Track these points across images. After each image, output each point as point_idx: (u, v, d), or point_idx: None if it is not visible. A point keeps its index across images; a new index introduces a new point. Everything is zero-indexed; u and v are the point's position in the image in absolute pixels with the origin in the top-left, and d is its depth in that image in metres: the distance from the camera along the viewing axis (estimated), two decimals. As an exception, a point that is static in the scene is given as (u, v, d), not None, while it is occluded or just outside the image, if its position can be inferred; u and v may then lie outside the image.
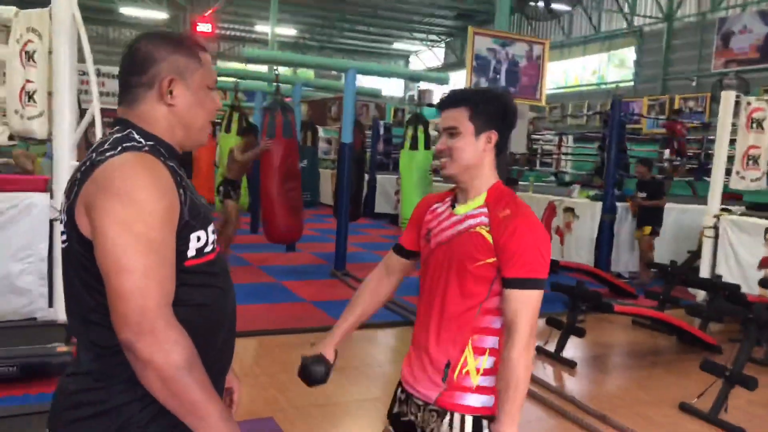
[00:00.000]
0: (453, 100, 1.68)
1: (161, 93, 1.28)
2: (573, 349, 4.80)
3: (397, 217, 9.09)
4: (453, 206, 1.70)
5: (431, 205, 1.78)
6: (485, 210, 1.62)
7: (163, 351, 1.11)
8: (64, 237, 1.23)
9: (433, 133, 14.73)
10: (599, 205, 7.83)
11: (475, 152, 1.64)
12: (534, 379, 4.14)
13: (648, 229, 7.36)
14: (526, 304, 1.54)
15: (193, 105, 1.31)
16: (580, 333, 4.57)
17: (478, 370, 1.61)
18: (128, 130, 1.26)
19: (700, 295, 6.36)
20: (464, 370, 1.61)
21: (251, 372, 3.96)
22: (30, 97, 4.57)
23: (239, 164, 6.59)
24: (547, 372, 4.42)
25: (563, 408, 3.68)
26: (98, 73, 15.06)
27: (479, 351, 1.61)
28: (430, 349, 1.65)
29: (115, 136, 1.25)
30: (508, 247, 1.55)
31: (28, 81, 4.57)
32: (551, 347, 4.66)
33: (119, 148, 1.20)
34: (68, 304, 1.28)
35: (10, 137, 4.91)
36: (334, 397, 3.68)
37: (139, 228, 1.13)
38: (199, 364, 1.17)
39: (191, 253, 1.23)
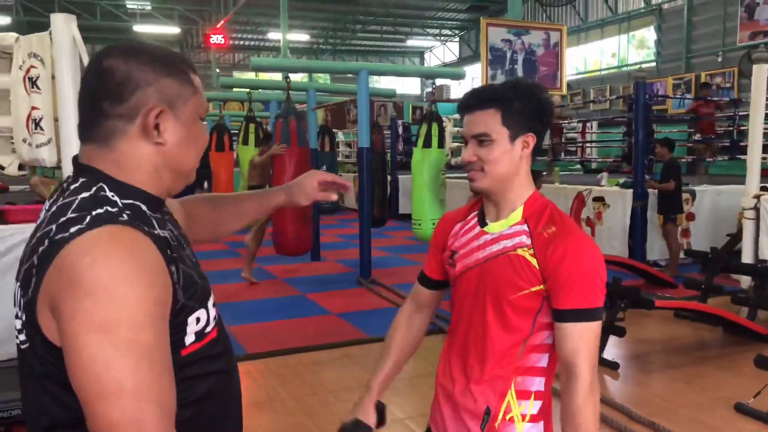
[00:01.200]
0: (480, 100, 1.39)
1: (146, 128, 0.99)
2: (613, 348, 4.55)
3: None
4: (482, 223, 1.44)
5: (453, 224, 1.53)
6: (525, 228, 1.37)
7: None
8: (23, 337, 0.96)
9: (453, 129, 14.46)
10: (630, 192, 7.54)
11: (511, 162, 1.38)
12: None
13: (660, 219, 6.98)
14: (585, 339, 1.31)
15: (184, 142, 1.03)
16: (621, 332, 4.32)
17: (523, 417, 1.38)
18: (98, 185, 0.97)
19: (744, 280, 6.04)
20: (507, 417, 1.37)
21: (276, 396, 3.80)
22: (37, 124, 4.48)
23: (257, 169, 6.62)
24: (587, 375, 4.19)
25: (608, 415, 3.45)
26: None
27: (523, 395, 1.38)
28: (464, 393, 1.42)
29: (81, 196, 0.95)
30: (559, 273, 1.31)
31: (34, 108, 4.48)
32: (590, 348, 4.42)
33: (87, 218, 0.91)
34: (26, 413, 1.02)
35: (20, 167, 4.84)
36: (364, 418, 3.50)
37: (123, 333, 0.86)
38: None
39: (190, 339, 1.00)
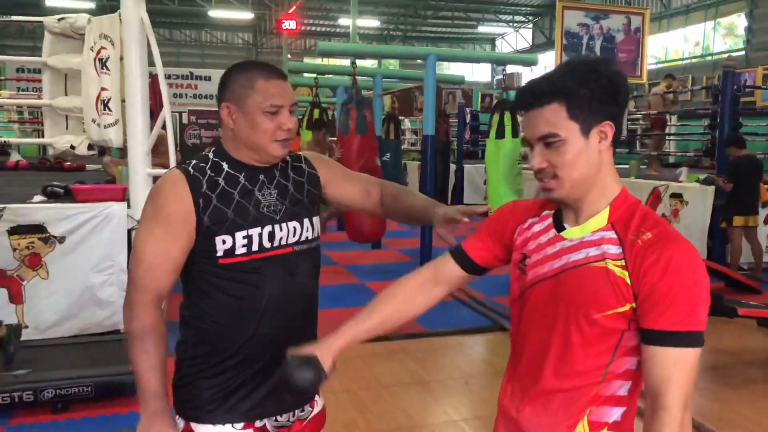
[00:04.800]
0: (537, 94, 1.17)
1: (223, 118, 1.49)
2: (689, 357, 4.24)
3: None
4: (558, 227, 1.24)
5: (522, 219, 1.32)
6: (612, 234, 1.16)
7: (127, 319, 1.45)
8: None
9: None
10: (711, 189, 7.05)
11: (589, 161, 1.17)
12: (642, 394, 3.65)
13: (723, 222, 6.58)
14: (680, 368, 1.09)
15: (246, 128, 1.47)
16: (698, 341, 4.00)
17: None
18: (212, 149, 1.54)
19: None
20: None
21: (330, 388, 3.68)
22: (105, 105, 4.54)
23: None
24: (659, 385, 3.91)
25: None
26: (191, 76, 15.45)
27: (596, 426, 1.19)
28: (530, 421, 1.24)
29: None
30: (657, 289, 1.10)
31: (103, 89, 4.54)
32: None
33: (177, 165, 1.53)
34: None
35: (90, 147, 4.93)
36: (417, 417, 3.38)
37: (147, 224, 1.45)
38: (153, 340, 1.43)
39: (220, 253, 1.45)
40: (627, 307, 1.13)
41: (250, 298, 1.47)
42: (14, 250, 4.10)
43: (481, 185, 12.35)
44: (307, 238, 1.57)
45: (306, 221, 1.57)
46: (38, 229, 4.15)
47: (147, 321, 1.42)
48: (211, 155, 1.52)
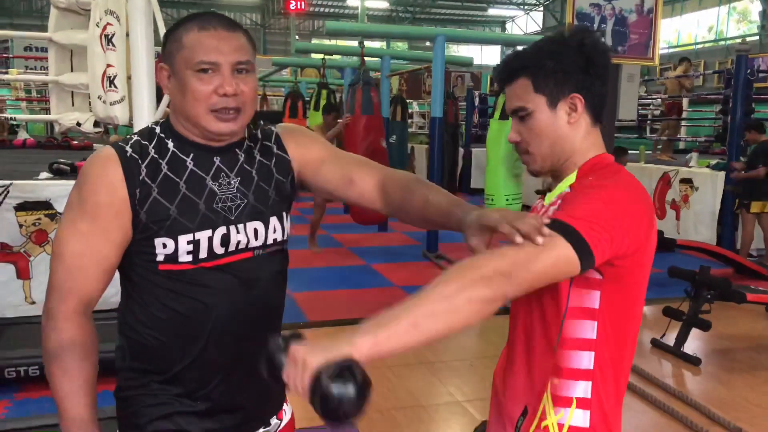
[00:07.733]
0: (507, 71, 1.20)
1: (161, 82, 1.21)
2: (695, 342, 4.22)
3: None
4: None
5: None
6: (568, 191, 1.18)
7: (45, 332, 1.18)
8: None
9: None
10: (721, 175, 6.99)
11: (557, 133, 1.17)
12: (649, 378, 3.64)
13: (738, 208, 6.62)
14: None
15: (177, 94, 1.18)
16: (705, 326, 3.98)
17: (560, 427, 1.13)
18: (160, 121, 1.25)
19: None
20: (543, 424, 1.15)
21: (333, 367, 3.71)
22: (111, 82, 4.51)
23: None
24: (664, 370, 3.89)
25: (686, 416, 3.17)
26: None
27: (561, 401, 1.14)
28: (500, 389, 1.27)
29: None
30: (565, 204, 1.13)
31: (109, 66, 4.51)
32: (669, 340, 4.10)
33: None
34: None
35: (96, 124, 4.91)
36: (421, 398, 3.37)
37: (71, 215, 1.17)
38: (76, 358, 1.16)
39: (160, 258, 1.18)
40: None
41: (194, 317, 1.20)
42: (21, 226, 4.11)
43: (488, 169, 12.26)
44: (275, 240, 1.26)
45: (273, 220, 1.25)
46: (45, 205, 4.15)
47: (68, 334, 1.16)
48: (157, 129, 1.22)
